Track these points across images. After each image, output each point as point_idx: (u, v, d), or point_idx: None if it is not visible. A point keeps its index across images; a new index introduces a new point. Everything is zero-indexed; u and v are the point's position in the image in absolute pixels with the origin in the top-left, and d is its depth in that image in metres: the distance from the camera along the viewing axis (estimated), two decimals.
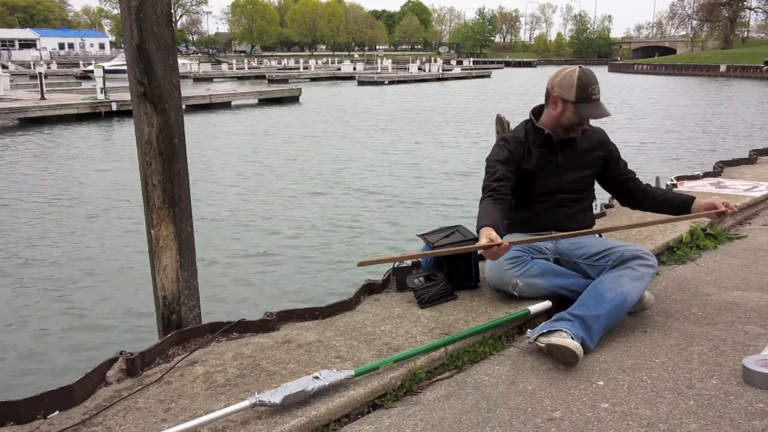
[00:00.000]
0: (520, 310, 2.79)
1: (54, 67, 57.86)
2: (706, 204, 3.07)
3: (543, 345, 2.50)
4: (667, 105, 29.98)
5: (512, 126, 3.47)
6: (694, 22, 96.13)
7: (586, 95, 2.86)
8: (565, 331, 2.49)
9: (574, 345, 2.41)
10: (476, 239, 3.14)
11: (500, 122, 4.54)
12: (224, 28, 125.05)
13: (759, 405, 2.17)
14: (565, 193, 3.03)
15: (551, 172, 3.01)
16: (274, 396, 2.01)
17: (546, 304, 2.85)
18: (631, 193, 3.23)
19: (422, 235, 3.27)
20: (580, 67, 2.94)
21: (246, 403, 2.01)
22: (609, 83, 48.69)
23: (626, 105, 29.62)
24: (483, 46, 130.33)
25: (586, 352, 2.52)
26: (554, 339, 2.46)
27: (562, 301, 2.92)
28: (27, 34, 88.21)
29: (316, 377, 2.12)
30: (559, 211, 3.03)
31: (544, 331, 2.53)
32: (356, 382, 2.22)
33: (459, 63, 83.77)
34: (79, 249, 7.98)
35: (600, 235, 3.21)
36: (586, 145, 3.06)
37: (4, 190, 11.51)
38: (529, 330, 2.65)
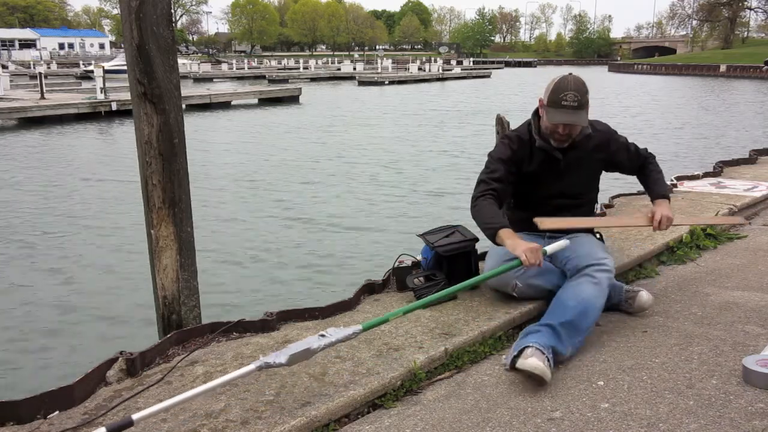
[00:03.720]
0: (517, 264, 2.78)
1: (54, 67, 57.84)
2: (649, 213, 3.07)
3: (518, 369, 2.35)
4: (667, 105, 29.97)
5: (512, 126, 3.46)
6: (694, 22, 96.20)
7: (556, 99, 2.77)
8: (532, 346, 2.37)
9: (540, 368, 2.28)
10: (476, 239, 3.15)
11: (500, 122, 4.54)
12: (224, 28, 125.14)
13: (759, 405, 2.17)
14: (565, 197, 3.00)
15: (553, 176, 2.96)
16: (280, 357, 2.01)
17: (564, 242, 2.81)
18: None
19: (422, 235, 3.27)
20: (570, 73, 2.87)
21: (252, 366, 2.02)
22: (609, 83, 48.69)
23: (626, 105, 29.61)
24: (483, 46, 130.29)
25: (561, 360, 2.47)
26: (519, 363, 2.32)
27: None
28: (27, 34, 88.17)
29: (323, 335, 2.11)
30: (560, 215, 3.01)
31: (515, 353, 2.40)
32: (356, 382, 2.22)
33: (459, 63, 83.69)
34: (79, 249, 7.97)
35: (600, 237, 3.20)
36: (590, 147, 2.99)
37: (3, 190, 11.51)
38: (503, 357, 2.56)
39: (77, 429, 1.97)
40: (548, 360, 2.35)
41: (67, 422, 1.99)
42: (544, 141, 2.93)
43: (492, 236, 2.77)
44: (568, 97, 2.75)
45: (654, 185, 3.20)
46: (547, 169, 2.96)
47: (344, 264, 7.38)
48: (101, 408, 2.08)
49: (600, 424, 2.08)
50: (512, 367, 2.37)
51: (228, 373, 2.03)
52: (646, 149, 3.27)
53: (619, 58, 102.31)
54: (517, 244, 2.62)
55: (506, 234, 2.68)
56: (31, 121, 20.91)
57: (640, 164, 3.21)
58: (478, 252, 3.21)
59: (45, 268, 7.26)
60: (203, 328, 2.61)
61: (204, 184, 11.50)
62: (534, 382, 2.34)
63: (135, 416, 1.84)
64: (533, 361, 2.30)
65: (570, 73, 2.86)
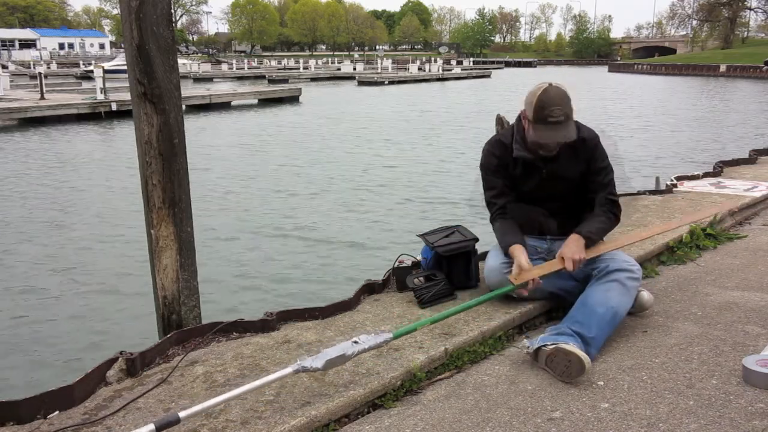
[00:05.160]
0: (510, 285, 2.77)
1: (54, 67, 57.82)
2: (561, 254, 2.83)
3: (550, 349, 2.42)
4: (667, 105, 29.98)
5: None
6: (694, 22, 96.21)
7: (542, 117, 2.69)
8: (570, 343, 2.44)
9: (584, 355, 2.35)
10: (476, 239, 3.15)
11: (500, 122, 4.55)
12: (224, 28, 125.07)
13: (759, 405, 2.17)
14: (555, 201, 2.97)
15: (538, 181, 2.93)
16: (316, 361, 2.07)
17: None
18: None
19: (422, 235, 3.27)
20: (550, 84, 2.74)
21: (289, 369, 2.07)
22: (609, 84, 48.69)
23: (626, 106, 29.62)
24: (483, 46, 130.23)
25: None
26: (562, 345, 2.40)
27: (558, 302, 2.92)
28: (27, 34, 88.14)
29: (356, 342, 2.17)
30: (555, 218, 2.99)
31: (548, 342, 2.47)
32: (356, 382, 2.22)
33: (459, 63, 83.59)
34: (79, 249, 7.98)
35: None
36: (573, 154, 2.89)
37: (3, 191, 11.51)
38: (526, 340, 2.61)
39: (77, 429, 1.97)
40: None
41: (67, 422, 1.99)
42: (526, 151, 2.87)
43: (505, 254, 2.92)
44: (555, 112, 2.67)
45: (585, 223, 2.91)
46: (530, 176, 2.92)
47: (344, 264, 7.38)
48: (101, 408, 2.08)
49: (600, 424, 2.08)
50: (553, 347, 2.41)
51: (266, 375, 2.09)
52: (615, 197, 2.98)
53: (619, 58, 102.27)
54: (517, 262, 2.80)
55: (512, 250, 2.86)
56: (31, 122, 20.90)
57: (599, 199, 2.94)
58: (478, 252, 3.21)
59: (45, 268, 7.25)
60: (203, 328, 2.61)
61: (204, 184, 11.50)
62: (558, 371, 2.38)
63: (182, 413, 1.90)
64: (576, 348, 2.37)
65: (550, 84, 2.73)
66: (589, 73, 69.71)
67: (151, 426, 1.81)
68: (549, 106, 2.68)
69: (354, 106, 29.62)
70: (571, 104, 2.75)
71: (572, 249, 2.77)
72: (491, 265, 2.91)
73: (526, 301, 2.90)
